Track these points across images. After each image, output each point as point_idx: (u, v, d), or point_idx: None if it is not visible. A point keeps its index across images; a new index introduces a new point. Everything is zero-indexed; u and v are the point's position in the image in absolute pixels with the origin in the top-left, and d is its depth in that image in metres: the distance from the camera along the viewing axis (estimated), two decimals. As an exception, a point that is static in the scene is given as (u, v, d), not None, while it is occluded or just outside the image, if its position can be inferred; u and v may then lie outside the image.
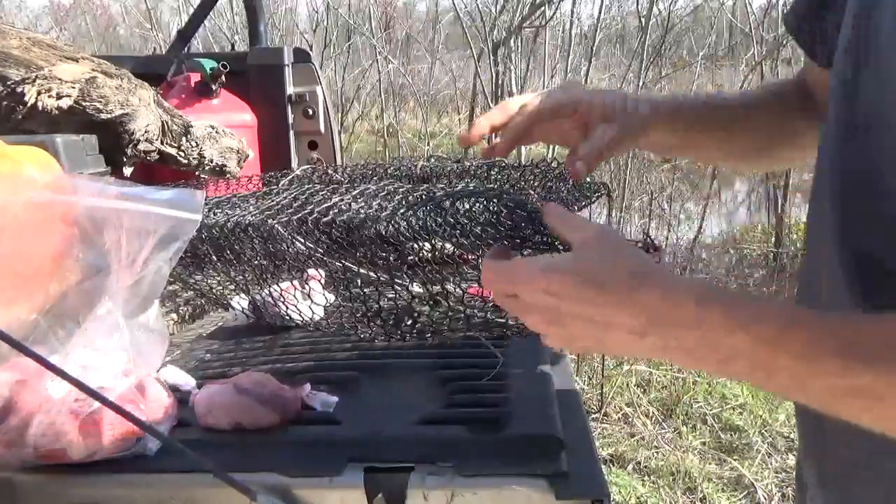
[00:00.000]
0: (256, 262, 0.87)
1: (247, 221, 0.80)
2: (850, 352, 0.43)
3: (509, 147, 0.69)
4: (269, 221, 0.78)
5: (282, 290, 0.93)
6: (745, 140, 0.73)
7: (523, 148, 3.66)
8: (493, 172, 1.07)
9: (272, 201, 0.89)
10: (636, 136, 0.68)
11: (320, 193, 0.91)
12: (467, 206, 0.69)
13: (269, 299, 0.95)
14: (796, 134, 0.75)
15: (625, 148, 0.70)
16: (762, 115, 0.73)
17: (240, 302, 0.99)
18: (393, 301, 0.81)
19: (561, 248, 0.62)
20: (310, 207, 0.81)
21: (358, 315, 0.87)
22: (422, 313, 0.84)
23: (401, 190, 0.87)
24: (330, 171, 1.22)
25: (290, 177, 1.15)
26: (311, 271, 0.94)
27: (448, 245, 0.75)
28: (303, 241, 0.79)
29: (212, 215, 0.86)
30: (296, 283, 0.93)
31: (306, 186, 1.00)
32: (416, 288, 0.81)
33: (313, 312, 0.94)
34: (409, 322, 0.85)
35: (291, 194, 0.92)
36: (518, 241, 0.63)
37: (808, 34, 0.67)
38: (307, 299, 0.93)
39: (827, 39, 0.63)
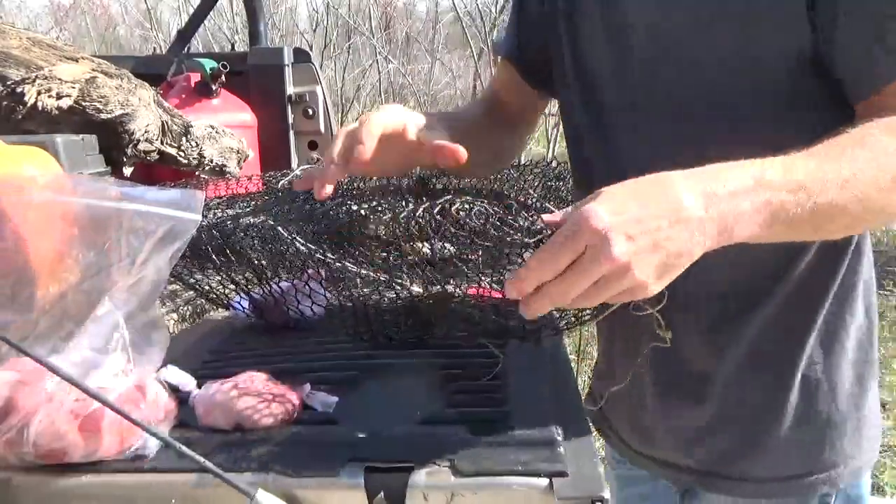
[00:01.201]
0: (256, 262, 0.87)
1: (247, 223, 0.80)
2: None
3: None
4: (270, 222, 0.78)
5: (282, 290, 0.93)
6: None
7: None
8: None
9: (272, 202, 0.89)
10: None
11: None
12: (467, 208, 0.70)
13: (270, 299, 0.95)
14: (506, 148, 0.93)
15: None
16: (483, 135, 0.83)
17: (240, 302, 0.99)
18: (393, 301, 0.81)
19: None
20: (309, 208, 0.81)
21: (359, 315, 0.87)
22: (422, 313, 0.84)
23: (401, 191, 0.87)
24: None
25: (289, 177, 1.15)
26: (312, 271, 0.94)
27: (448, 246, 0.75)
28: (303, 242, 0.79)
29: (212, 216, 0.86)
30: (296, 282, 0.93)
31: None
32: (416, 288, 0.81)
33: (314, 312, 0.94)
34: (410, 322, 0.85)
35: (291, 195, 0.92)
36: (517, 238, 0.63)
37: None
38: (307, 299, 0.93)
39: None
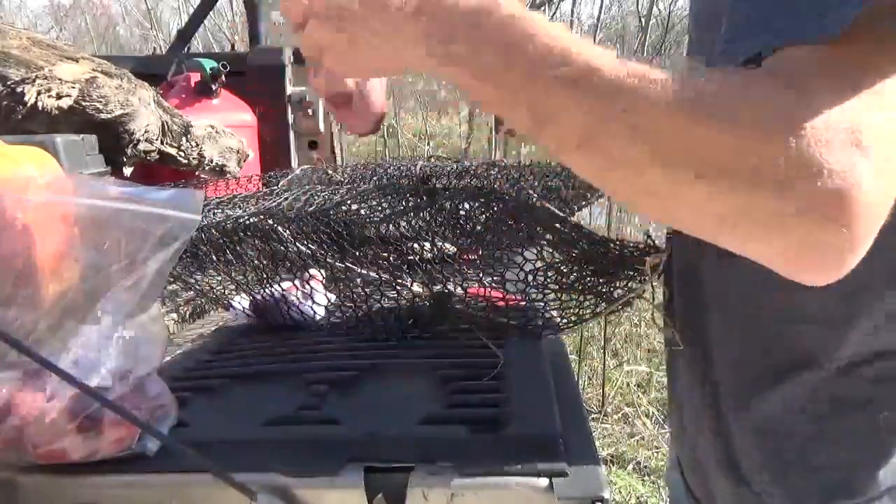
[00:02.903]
0: (257, 262, 0.87)
1: (247, 222, 0.80)
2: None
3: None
4: (269, 222, 0.78)
5: (283, 289, 0.93)
6: None
7: (523, 148, 3.66)
8: (492, 172, 1.07)
9: (273, 202, 0.89)
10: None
11: (321, 195, 0.91)
12: (467, 207, 0.70)
13: (270, 299, 0.95)
14: None
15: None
16: None
17: (240, 302, 0.99)
18: (394, 300, 0.81)
19: (561, 235, 0.63)
20: (311, 209, 0.81)
21: (359, 314, 0.87)
22: (423, 313, 0.84)
23: (401, 190, 0.87)
24: (330, 172, 1.22)
25: (289, 177, 1.15)
26: (312, 271, 0.94)
27: (448, 245, 0.75)
28: (305, 242, 0.79)
29: (212, 215, 0.86)
30: (297, 282, 0.93)
31: (307, 187, 1.00)
32: (417, 287, 0.81)
33: (315, 312, 0.94)
34: (410, 321, 0.86)
35: (292, 195, 0.92)
36: (517, 235, 0.63)
37: None
38: (308, 299, 0.93)
39: None
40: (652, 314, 0.62)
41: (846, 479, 0.60)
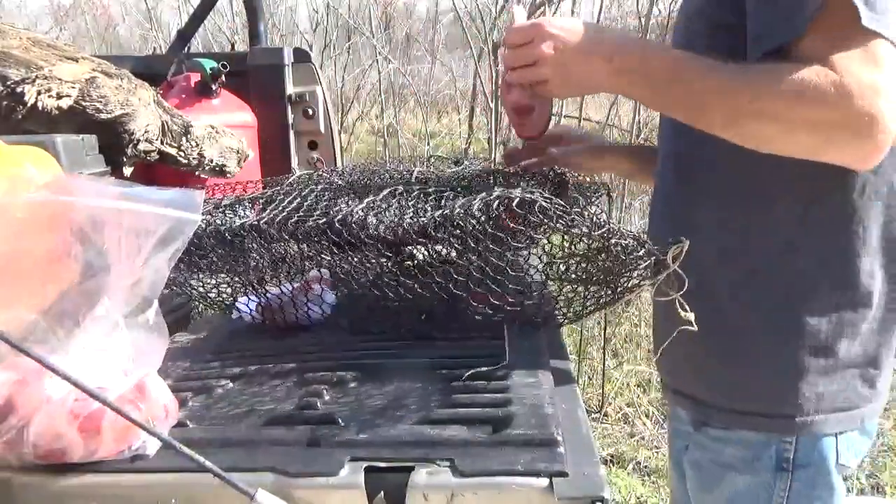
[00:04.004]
0: (262, 264, 0.87)
1: (253, 226, 0.80)
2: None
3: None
4: (270, 230, 0.78)
5: (288, 291, 0.93)
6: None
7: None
8: (492, 179, 1.08)
9: (277, 206, 0.89)
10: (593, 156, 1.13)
11: (325, 198, 0.91)
12: (474, 209, 0.70)
13: (276, 301, 0.95)
14: None
15: (586, 162, 1.13)
16: None
17: (247, 304, 0.99)
18: (398, 301, 0.82)
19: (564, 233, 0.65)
20: (317, 214, 0.81)
21: (363, 314, 0.88)
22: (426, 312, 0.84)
23: (405, 194, 0.88)
24: (326, 174, 1.22)
25: (290, 180, 1.15)
26: (316, 272, 0.94)
27: (452, 251, 0.76)
28: (308, 247, 0.80)
29: (216, 220, 0.86)
30: (301, 284, 0.93)
31: (310, 188, 1.00)
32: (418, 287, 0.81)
33: (323, 311, 0.95)
34: (423, 317, 0.86)
35: (296, 198, 0.92)
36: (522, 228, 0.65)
37: None
38: (314, 300, 0.93)
39: None
40: (678, 302, 0.66)
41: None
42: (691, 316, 0.67)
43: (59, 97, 1.11)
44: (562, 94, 0.86)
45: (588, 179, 1.13)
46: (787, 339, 0.82)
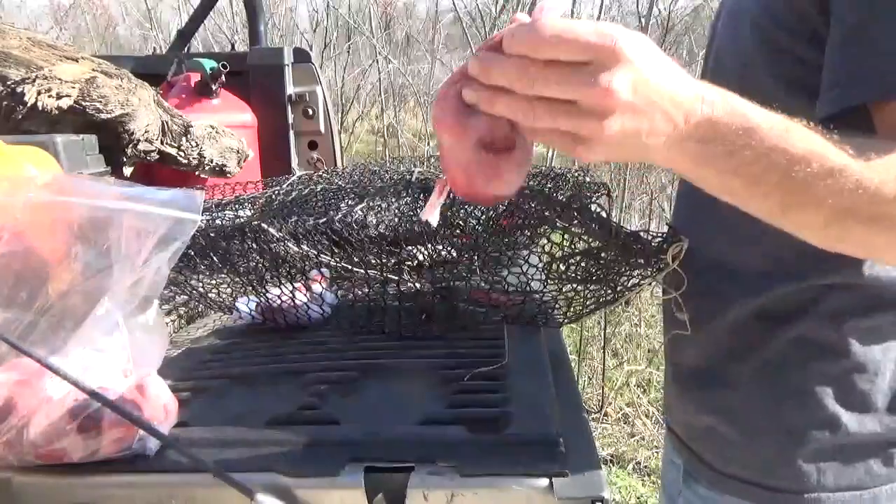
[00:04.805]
0: (261, 265, 0.87)
1: (253, 227, 0.80)
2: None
3: None
4: (270, 230, 0.78)
5: (288, 291, 0.93)
6: None
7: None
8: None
9: (278, 206, 0.89)
10: None
11: (327, 199, 0.91)
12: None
13: (276, 301, 0.95)
14: None
15: None
16: None
17: (247, 304, 0.99)
18: (399, 301, 0.82)
19: (566, 234, 0.65)
20: (318, 215, 0.81)
21: (364, 314, 0.88)
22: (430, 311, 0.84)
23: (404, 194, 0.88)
24: (326, 175, 1.22)
25: (290, 181, 1.15)
26: (316, 272, 0.94)
27: (452, 251, 0.76)
28: (308, 247, 0.80)
29: (217, 221, 0.86)
30: (301, 284, 0.93)
31: (311, 188, 1.00)
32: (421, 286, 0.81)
33: (323, 311, 0.95)
34: (423, 316, 0.86)
35: (298, 199, 0.92)
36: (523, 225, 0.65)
37: None
38: (314, 300, 0.93)
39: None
40: (674, 300, 0.66)
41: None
42: (685, 317, 0.66)
43: (59, 97, 1.11)
44: (594, 158, 0.49)
45: (588, 179, 1.13)
46: (785, 402, 0.71)
